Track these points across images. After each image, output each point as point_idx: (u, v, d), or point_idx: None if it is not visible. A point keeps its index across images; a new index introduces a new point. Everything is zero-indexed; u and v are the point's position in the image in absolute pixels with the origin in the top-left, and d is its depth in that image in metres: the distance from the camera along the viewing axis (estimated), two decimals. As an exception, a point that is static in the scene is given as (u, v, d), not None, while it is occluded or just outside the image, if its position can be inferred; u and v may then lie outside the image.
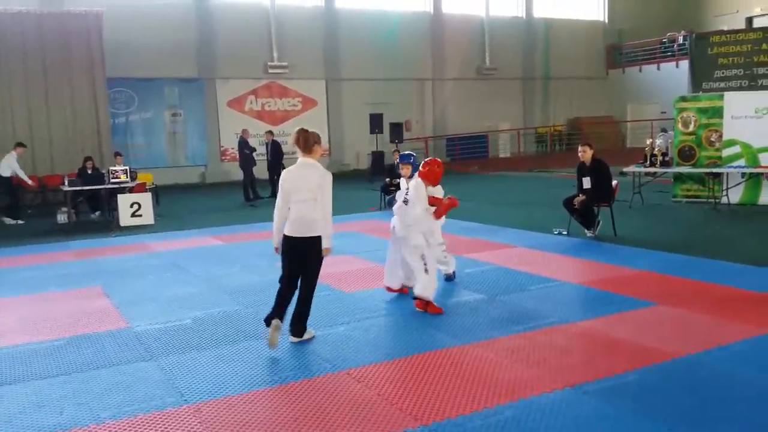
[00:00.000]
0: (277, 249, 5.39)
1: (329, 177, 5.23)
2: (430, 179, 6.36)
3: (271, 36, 24.04)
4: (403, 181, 6.82)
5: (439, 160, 6.59)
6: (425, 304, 6.11)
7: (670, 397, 4.08)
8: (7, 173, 14.19)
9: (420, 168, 6.37)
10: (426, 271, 6.08)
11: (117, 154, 15.46)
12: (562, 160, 23.58)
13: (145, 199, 13.15)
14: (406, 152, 7.28)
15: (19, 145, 14.53)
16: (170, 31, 22.05)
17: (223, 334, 5.72)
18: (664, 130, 20.33)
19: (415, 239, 6.12)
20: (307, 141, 5.21)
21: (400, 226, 6.29)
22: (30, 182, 14.41)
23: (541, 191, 16.45)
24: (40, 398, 4.46)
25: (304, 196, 5.13)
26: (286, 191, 5.20)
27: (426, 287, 6.07)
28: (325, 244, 5.20)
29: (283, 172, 5.32)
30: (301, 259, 5.26)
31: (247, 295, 7.10)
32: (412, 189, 6.21)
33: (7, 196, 14.45)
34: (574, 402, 4.06)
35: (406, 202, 6.22)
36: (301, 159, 5.25)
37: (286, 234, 5.22)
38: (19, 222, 14.14)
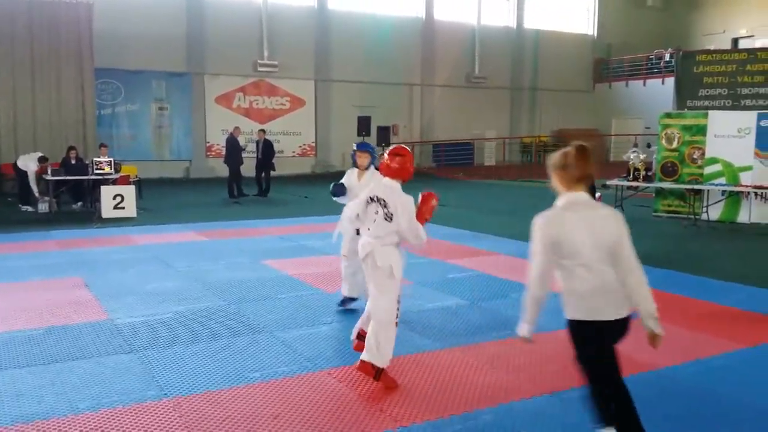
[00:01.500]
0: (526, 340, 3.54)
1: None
2: (403, 177, 4.61)
3: (262, 34, 24.00)
4: (352, 176, 6.04)
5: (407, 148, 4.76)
6: (376, 373, 4.47)
7: (648, 407, 4.12)
8: (22, 167, 14.07)
9: (387, 161, 4.59)
10: (396, 324, 4.58)
11: (102, 145, 15.35)
12: (546, 170, 23.74)
13: (129, 191, 13.06)
14: (363, 141, 6.72)
15: (42, 160, 14.19)
16: (160, 24, 21.94)
17: (205, 330, 5.70)
18: (648, 146, 20.54)
19: (398, 271, 4.52)
20: (588, 159, 3.28)
21: (373, 248, 4.51)
22: (35, 188, 14.09)
23: (525, 200, 16.57)
24: (18, 387, 4.42)
25: (598, 255, 3.20)
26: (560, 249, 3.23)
27: (386, 351, 4.47)
28: (655, 328, 3.25)
29: (549, 221, 3.27)
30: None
31: (230, 291, 7.08)
32: (396, 197, 4.47)
33: (21, 185, 14.34)
34: (552, 409, 4.11)
35: (389, 218, 4.45)
36: (573, 196, 3.28)
37: (585, 319, 3.31)
38: (30, 209, 13.95)
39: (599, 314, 3.23)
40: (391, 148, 4.71)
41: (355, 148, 6.15)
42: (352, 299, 6.28)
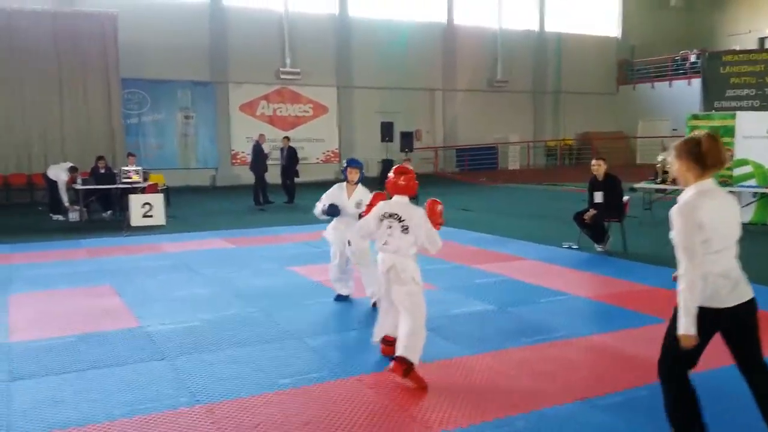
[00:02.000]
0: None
1: None
2: (410, 193, 4.95)
3: (284, 42, 24.18)
4: (342, 193, 6.61)
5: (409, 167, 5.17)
6: (407, 368, 4.56)
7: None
8: (53, 177, 14.33)
9: (394, 179, 4.91)
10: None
11: (130, 154, 15.59)
12: (572, 174, 23.61)
13: (157, 199, 13.23)
14: (353, 158, 7.33)
15: (72, 170, 14.43)
16: (184, 34, 22.22)
17: (234, 337, 5.75)
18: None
19: (418, 277, 4.79)
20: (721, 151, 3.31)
21: (394, 261, 4.74)
22: (65, 198, 14.37)
23: (551, 204, 16.47)
24: (54, 394, 4.50)
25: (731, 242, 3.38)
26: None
27: (420, 348, 4.66)
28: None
29: (698, 203, 3.21)
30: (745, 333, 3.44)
31: (258, 298, 7.13)
32: (411, 210, 4.77)
33: (52, 195, 14.59)
34: (584, 416, 4.08)
35: (406, 230, 4.70)
36: (704, 184, 3.29)
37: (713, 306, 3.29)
38: (60, 218, 14.21)
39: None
40: (394, 167, 5.08)
41: (345, 164, 6.76)
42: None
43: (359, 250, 6.45)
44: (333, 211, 6.61)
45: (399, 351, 4.61)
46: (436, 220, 4.90)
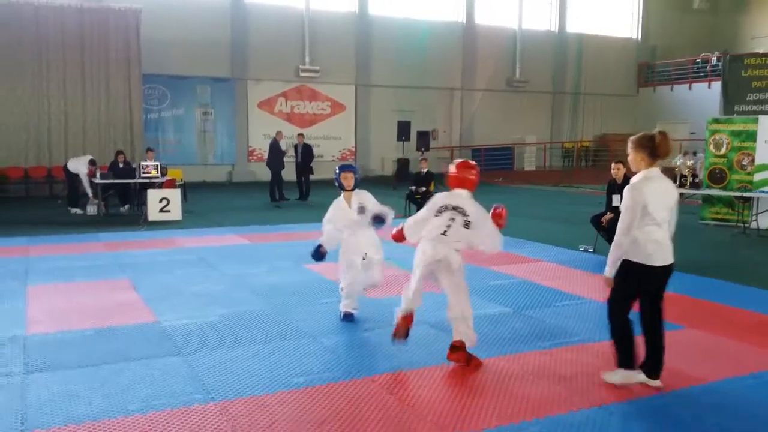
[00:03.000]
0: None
1: None
2: (473, 188, 5.06)
3: (304, 39, 24.21)
4: (342, 205, 6.07)
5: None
6: (468, 356, 4.97)
7: (700, 422, 4.04)
8: (73, 170, 14.47)
9: (459, 173, 5.01)
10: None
11: (149, 149, 15.68)
12: (588, 176, 23.45)
13: (174, 195, 13.31)
14: (346, 163, 6.97)
15: (92, 163, 14.51)
16: (205, 31, 22.33)
17: (250, 334, 5.76)
18: (693, 153, 20.05)
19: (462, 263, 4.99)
20: (669, 145, 4.38)
21: (446, 252, 4.88)
22: (90, 191, 14.52)
23: (567, 206, 16.36)
24: (70, 387, 4.53)
25: (666, 218, 4.41)
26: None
27: (471, 331, 4.98)
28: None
29: (644, 186, 4.34)
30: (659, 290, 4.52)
31: (274, 295, 7.14)
32: (475, 207, 4.91)
33: (70, 188, 14.77)
34: (601, 422, 4.04)
35: (467, 225, 4.82)
36: (651, 171, 4.39)
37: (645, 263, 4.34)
38: (78, 211, 14.35)
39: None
40: (458, 161, 5.12)
41: (338, 170, 6.21)
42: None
43: (374, 262, 6.07)
44: (316, 256, 6.08)
45: (463, 342, 4.91)
46: (498, 221, 4.98)
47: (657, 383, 4.47)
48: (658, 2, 31.38)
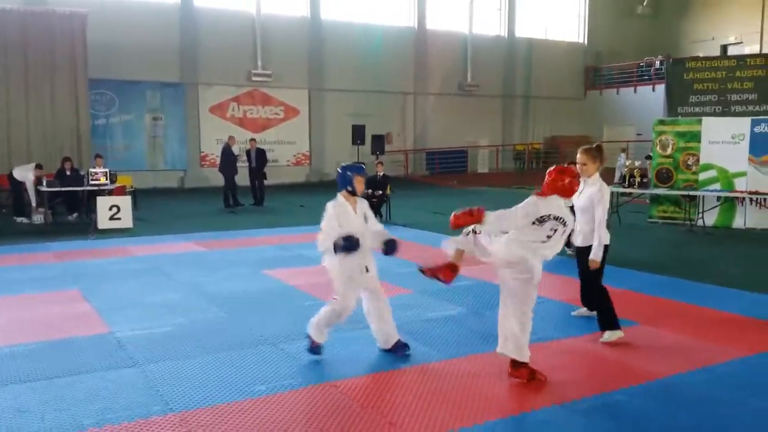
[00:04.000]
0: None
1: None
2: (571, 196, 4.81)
3: (255, 44, 24.01)
4: (348, 210, 5.10)
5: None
6: (529, 370, 4.70)
7: (659, 417, 4.12)
8: (19, 178, 13.94)
9: (560, 180, 4.62)
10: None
11: (98, 155, 15.26)
12: (540, 177, 23.63)
13: (125, 202, 12.98)
14: (356, 163, 5.99)
15: (38, 167, 14.07)
16: (154, 35, 21.93)
17: (208, 342, 5.64)
18: (648, 157, 20.51)
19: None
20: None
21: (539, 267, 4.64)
22: (34, 199, 13.99)
23: (521, 208, 16.56)
24: (20, 403, 4.36)
25: None
26: None
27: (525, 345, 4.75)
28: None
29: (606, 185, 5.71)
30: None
31: (231, 302, 7.03)
32: (572, 218, 4.74)
33: (16, 197, 14.26)
34: (564, 420, 4.08)
35: (564, 234, 4.62)
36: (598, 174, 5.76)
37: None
38: (25, 220, 13.85)
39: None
40: (557, 167, 4.69)
41: (349, 172, 5.17)
42: None
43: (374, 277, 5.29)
44: (352, 246, 4.96)
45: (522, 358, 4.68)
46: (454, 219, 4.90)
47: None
48: (603, 7, 32.20)
